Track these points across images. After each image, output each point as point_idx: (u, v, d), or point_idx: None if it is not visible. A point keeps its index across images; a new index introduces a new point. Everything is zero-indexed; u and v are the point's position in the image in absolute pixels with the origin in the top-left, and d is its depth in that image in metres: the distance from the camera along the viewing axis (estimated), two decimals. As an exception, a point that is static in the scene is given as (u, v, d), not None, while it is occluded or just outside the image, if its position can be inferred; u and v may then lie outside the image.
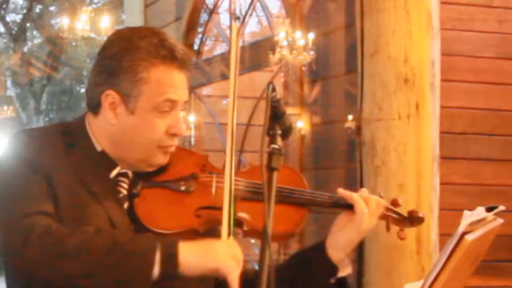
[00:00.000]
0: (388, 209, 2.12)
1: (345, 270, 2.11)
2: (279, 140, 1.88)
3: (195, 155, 2.15)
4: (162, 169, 2.05)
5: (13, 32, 22.51)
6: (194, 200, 2.01)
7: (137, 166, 2.03)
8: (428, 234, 3.79)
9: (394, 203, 2.14)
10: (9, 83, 24.95)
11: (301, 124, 7.09)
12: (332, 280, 2.10)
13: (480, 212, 1.79)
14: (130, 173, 2.05)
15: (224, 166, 1.90)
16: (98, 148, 2.03)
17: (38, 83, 23.20)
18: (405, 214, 2.14)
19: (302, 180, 2.12)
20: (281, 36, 8.07)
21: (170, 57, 1.97)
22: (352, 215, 2.07)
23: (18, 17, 23.29)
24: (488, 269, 4.68)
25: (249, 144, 8.88)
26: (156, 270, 1.79)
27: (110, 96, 1.98)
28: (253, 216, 1.99)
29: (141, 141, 1.98)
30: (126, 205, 2.01)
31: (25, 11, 22.70)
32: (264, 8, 9.21)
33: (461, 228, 1.67)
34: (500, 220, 1.86)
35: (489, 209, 1.84)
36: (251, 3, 9.30)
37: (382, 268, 3.70)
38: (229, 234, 1.82)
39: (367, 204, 2.06)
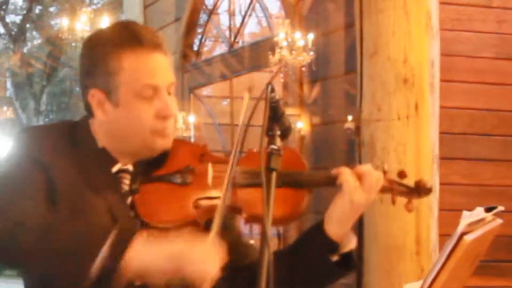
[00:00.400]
0: (393, 181, 2.06)
1: (348, 246, 2.05)
2: (278, 141, 1.87)
3: (194, 145, 2.14)
4: (162, 163, 2.06)
5: (13, 33, 22.53)
6: (192, 192, 2.01)
7: (141, 155, 2.04)
8: (427, 234, 3.80)
9: (401, 174, 2.08)
10: (8, 84, 24.96)
11: (301, 124, 7.10)
12: (335, 257, 2.04)
13: (479, 212, 1.79)
14: (131, 169, 2.05)
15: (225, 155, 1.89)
16: (100, 145, 2.05)
17: (38, 84, 23.22)
18: (412, 185, 2.08)
19: (300, 160, 2.11)
20: (281, 36, 8.07)
21: (136, 41, 1.97)
22: (341, 189, 2.00)
23: (17, 18, 23.31)
24: (487, 269, 4.69)
25: (248, 145, 8.88)
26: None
27: (95, 96, 2.00)
28: (252, 202, 1.98)
29: (133, 131, 1.99)
30: (129, 201, 2.02)
31: (24, 12, 22.71)
32: (264, 9, 9.21)
33: (460, 228, 1.67)
34: (499, 221, 1.86)
35: (488, 210, 1.84)
36: (250, 4, 9.30)
37: (381, 268, 3.70)
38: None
39: (360, 177, 2.00)
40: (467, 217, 1.71)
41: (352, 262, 2.07)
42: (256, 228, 7.44)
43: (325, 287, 2.11)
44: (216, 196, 1.92)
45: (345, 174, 2.00)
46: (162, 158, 2.06)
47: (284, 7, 7.94)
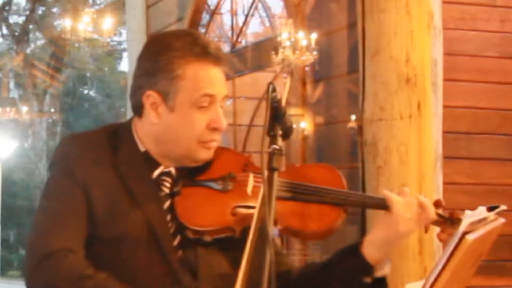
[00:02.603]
0: None
1: (383, 270, 2.08)
2: (279, 141, 1.87)
3: (238, 154, 2.20)
4: (204, 168, 2.10)
5: (16, 33, 22.56)
6: (231, 199, 2.05)
7: (182, 162, 2.08)
8: (430, 234, 3.77)
9: (437, 204, 2.11)
10: (12, 84, 25.00)
11: (304, 124, 7.10)
12: (369, 280, 2.06)
13: (481, 211, 1.79)
14: (173, 172, 2.10)
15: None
16: (142, 148, 2.10)
17: (41, 85, 23.25)
18: (447, 216, 2.10)
19: (340, 180, 2.12)
20: (284, 36, 8.07)
21: (203, 53, 2.04)
22: (391, 214, 2.03)
23: (20, 19, 23.34)
24: (491, 269, 4.67)
25: (252, 145, 8.89)
26: None
27: (150, 97, 2.05)
28: (287, 215, 2.01)
29: (182, 137, 2.04)
30: (167, 204, 2.06)
31: (27, 12, 22.74)
32: (266, 9, 9.21)
33: (462, 228, 1.66)
34: (502, 220, 1.86)
35: (490, 209, 1.83)
36: (252, 4, 9.30)
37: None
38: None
39: (409, 207, 2.03)
40: (469, 217, 1.71)
41: (385, 286, 2.09)
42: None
43: None
44: (254, 205, 1.91)
45: (397, 203, 2.02)
46: (205, 164, 2.10)
47: (287, 7, 7.93)
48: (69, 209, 1.99)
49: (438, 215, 2.10)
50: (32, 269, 1.93)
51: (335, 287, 2.09)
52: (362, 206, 2.13)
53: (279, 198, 1.99)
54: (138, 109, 2.09)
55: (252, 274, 2.03)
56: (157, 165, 2.09)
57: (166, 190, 2.08)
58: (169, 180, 2.09)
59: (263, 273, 1.69)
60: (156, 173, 2.08)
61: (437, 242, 3.85)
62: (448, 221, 2.11)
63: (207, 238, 2.02)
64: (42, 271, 1.91)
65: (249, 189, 2.06)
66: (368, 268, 2.05)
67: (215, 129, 2.06)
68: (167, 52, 2.04)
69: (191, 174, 2.09)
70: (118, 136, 2.11)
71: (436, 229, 3.90)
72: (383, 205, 2.06)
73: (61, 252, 1.92)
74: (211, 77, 2.04)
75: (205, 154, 2.07)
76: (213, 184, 2.07)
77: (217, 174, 2.09)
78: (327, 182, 2.10)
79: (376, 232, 2.06)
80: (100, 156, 2.05)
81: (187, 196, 2.06)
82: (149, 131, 2.08)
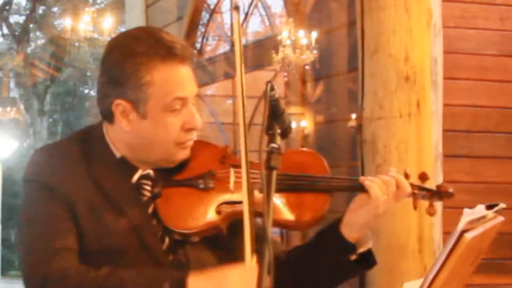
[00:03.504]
0: (414, 186, 2.08)
1: (366, 245, 2.08)
2: (278, 139, 1.87)
3: (215, 147, 2.15)
4: (182, 166, 2.07)
5: (16, 33, 22.55)
6: (214, 197, 2.02)
7: (159, 164, 2.05)
8: (430, 232, 3.79)
9: (423, 177, 2.10)
10: (12, 84, 24.99)
11: (304, 123, 7.09)
12: (353, 257, 2.07)
13: (480, 210, 1.78)
14: (152, 173, 2.06)
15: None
16: (118, 155, 2.05)
17: (42, 84, 23.25)
18: (434, 189, 2.08)
19: (323, 164, 2.11)
20: (284, 35, 8.07)
21: (169, 55, 1.98)
22: (369, 198, 2.02)
23: (21, 18, 23.33)
24: (490, 267, 4.68)
25: (251, 144, 8.87)
26: None
27: (120, 106, 1.99)
28: (277, 208, 2.00)
29: (158, 142, 2.00)
30: (151, 208, 2.03)
31: (28, 12, 22.73)
32: (266, 8, 9.21)
33: (460, 226, 1.66)
34: (501, 218, 1.85)
35: (489, 207, 1.83)
36: (252, 2, 9.30)
37: (384, 267, 3.68)
38: (252, 254, 1.77)
39: (386, 188, 2.02)
40: (467, 215, 1.70)
41: (371, 259, 2.08)
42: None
43: (344, 281, 2.13)
44: (239, 201, 1.91)
45: (375, 187, 2.01)
46: (182, 161, 2.07)
47: (287, 6, 7.93)
48: (56, 224, 1.95)
49: (425, 189, 2.08)
50: None
51: (323, 267, 2.09)
52: (343, 190, 2.10)
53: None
54: (108, 116, 2.03)
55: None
56: (135, 169, 2.05)
57: (148, 194, 2.05)
58: (149, 183, 2.05)
59: (262, 272, 1.68)
60: (135, 177, 2.05)
61: (437, 241, 3.85)
62: (435, 194, 2.08)
63: (195, 239, 2.00)
64: None
65: (231, 185, 2.03)
66: (350, 247, 2.05)
67: (190, 129, 2.02)
68: (131, 59, 1.96)
69: (170, 173, 2.06)
70: (90, 143, 2.05)
71: (435, 228, 3.90)
72: (361, 187, 2.04)
73: (59, 269, 1.88)
74: (180, 78, 1.99)
75: (182, 154, 2.04)
76: (193, 183, 2.04)
77: (196, 171, 2.06)
78: (312, 167, 2.08)
79: (353, 214, 2.04)
80: (75, 169, 2.00)
81: (168, 197, 2.02)
82: (122, 138, 2.04)
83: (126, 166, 2.04)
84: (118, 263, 1.94)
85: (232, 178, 2.04)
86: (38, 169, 2.01)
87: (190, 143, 2.05)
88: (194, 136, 2.05)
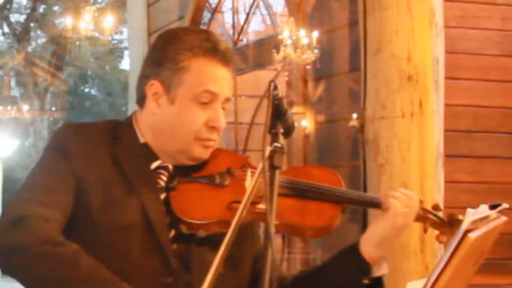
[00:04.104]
0: (427, 211, 2.11)
1: (380, 270, 2.08)
2: (281, 139, 1.87)
3: (236, 155, 2.21)
4: (202, 167, 2.09)
5: (17, 32, 22.55)
6: (228, 194, 2.03)
7: (178, 158, 2.07)
8: (432, 232, 3.78)
9: (435, 207, 2.14)
10: (13, 83, 25.01)
11: (305, 122, 7.10)
12: (366, 281, 2.06)
13: (483, 209, 1.79)
14: (170, 167, 2.09)
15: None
16: (142, 140, 2.09)
17: (42, 83, 23.25)
18: (445, 218, 2.12)
19: (339, 181, 2.12)
20: (285, 34, 8.08)
21: (212, 50, 2.03)
22: (387, 212, 2.04)
23: (22, 17, 23.34)
24: (493, 267, 4.68)
25: (253, 143, 8.88)
26: None
27: (153, 86, 2.04)
28: (283, 211, 2.00)
29: (179, 131, 2.03)
30: (162, 196, 2.05)
31: (28, 11, 22.74)
32: (267, 7, 9.22)
33: (464, 226, 1.66)
34: (504, 218, 1.86)
35: (492, 207, 1.83)
36: (254, 2, 9.31)
37: (385, 267, 3.69)
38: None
39: (406, 199, 2.04)
40: (471, 215, 1.70)
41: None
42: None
43: None
44: (253, 201, 1.91)
45: (394, 200, 2.03)
46: (202, 163, 2.09)
47: (288, 5, 7.94)
48: (54, 183, 1.98)
49: (438, 217, 2.11)
50: (2, 231, 1.90)
51: (332, 285, 2.09)
52: (359, 204, 2.13)
53: (278, 195, 2.02)
54: (141, 100, 2.09)
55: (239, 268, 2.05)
56: (155, 157, 2.08)
57: (162, 183, 2.07)
58: (166, 174, 2.08)
59: (264, 273, 1.69)
60: (154, 165, 2.07)
61: (439, 240, 3.85)
62: (446, 223, 2.12)
63: (202, 233, 2.00)
64: (13, 232, 1.88)
65: (247, 185, 2.04)
66: (365, 267, 2.05)
67: (213, 128, 2.04)
68: (175, 43, 2.03)
69: (188, 172, 2.08)
70: (119, 129, 2.10)
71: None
72: (378, 203, 2.07)
73: (35, 217, 1.90)
74: (216, 75, 2.03)
75: (200, 152, 2.06)
76: (210, 179, 2.06)
77: (214, 171, 2.08)
78: (326, 182, 2.10)
79: (373, 231, 2.05)
80: (97, 144, 2.04)
81: (182, 191, 2.04)
82: (148, 122, 2.08)
83: (148, 152, 2.08)
84: (122, 241, 1.96)
85: (249, 179, 2.05)
86: (63, 138, 2.06)
87: (211, 143, 2.07)
88: (216, 137, 2.07)
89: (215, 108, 2.04)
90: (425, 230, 2.12)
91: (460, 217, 2.10)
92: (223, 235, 1.92)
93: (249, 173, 2.06)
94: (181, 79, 2.01)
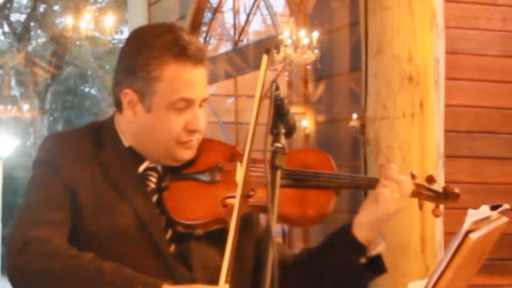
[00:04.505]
0: (421, 186, 2.08)
1: (376, 249, 2.08)
2: (282, 139, 1.87)
3: (224, 145, 2.16)
4: (191, 162, 2.08)
5: (17, 31, 22.53)
6: (220, 190, 2.03)
7: (163, 161, 2.07)
8: (432, 232, 3.79)
9: (429, 179, 2.10)
10: (13, 82, 24.99)
11: (306, 122, 7.10)
12: (363, 260, 2.06)
13: (484, 210, 1.78)
14: (159, 167, 2.08)
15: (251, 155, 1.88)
16: (126, 144, 2.08)
17: (43, 83, 23.23)
18: (440, 190, 2.09)
19: (331, 163, 2.11)
20: (286, 35, 8.07)
21: (182, 54, 2.00)
22: (377, 198, 2.03)
23: (22, 17, 23.31)
24: (493, 268, 4.68)
25: (255, 143, 8.88)
26: None
27: (128, 95, 2.03)
28: (280, 202, 1.94)
29: (159, 138, 2.02)
30: (154, 198, 2.04)
31: (29, 10, 22.71)
32: (268, 7, 9.22)
33: (465, 226, 1.66)
34: (505, 219, 1.86)
35: (493, 208, 1.83)
36: (254, 2, 9.31)
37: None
38: (226, 281, 1.76)
39: (397, 185, 2.02)
40: (472, 215, 1.70)
41: (381, 265, 2.08)
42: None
43: None
44: (245, 194, 1.92)
45: (384, 184, 2.02)
46: (191, 158, 2.08)
47: (289, 5, 7.94)
48: (49, 199, 1.97)
49: (431, 190, 2.09)
50: (13, 259, 1.90)
51: (331, 270, 2.08)
52: (355, 187, 2.11)
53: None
54: (118, 105, 2.08)
55: (244, 264, 2.04)
56: (142, 160, 2.07)
57: (152, 185, 2.06)
58: (155, 175, 2.07)
59: (266, 271, 1.68)
60: (141, 168, 2.07)
61: (439, 241, 3.85)
62: (441, 195, 2.09)
63: (199, 232, 2.00)
64: (25, 257, 1.88)
65: (238, 178, 2.03)
66: (360, 248, 2.04)
67: (192, 131, 2.03)
68: (145, 51, 2.00)
69: (177, 168, 2.07)
70: (101, 134, 2.09)
71: (437, 228, 3.90)
72: (374, 185, 2.05)
73: (42, 237, 1.90)
74: (189, 79, 2.01)
75: (185, 154, 2.05)
76: (200, 176, 2.05)
77: (204, 166, 2.07)
78: (318, 166, 2.08)
79: (365, 214, 2.05)
80: (83, 153, 2.03)
81: (175, 190, 2.03)
82: (129, 128, 2.07)
83: (134, 155, 2.07)
84: (118, 248, 1.96)
85: (239, 172, 2.03)
86: (47, 152, 2.05)
87: (194, 143, 2.06)
88: (197, 137, 2.05)
89: (192, 112, 2.02)
90: (420, 206, 2.09)
91: (456, 190, 2.08)
92: (220, 229, 1.95)
93: (238, 166, 2.05)
94: (155, 88, 2.00)
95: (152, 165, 2.07)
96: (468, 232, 1.67)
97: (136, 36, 2.08)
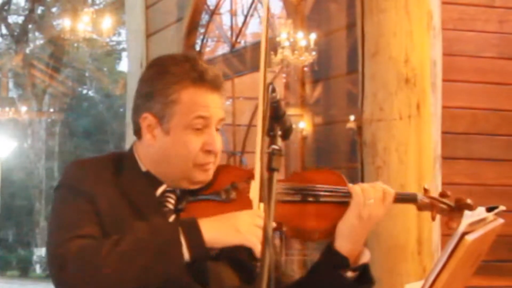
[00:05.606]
0: (433, 198, 2.13)
1: (362, 259, 2.10)
2: (279, 141, 1.88)
3: (241, 170, 2.21)
4: (208, 185, 2.11)
5: (15, 33, 22.55)
6: (236, 208, 2.03)
7: (180, 184, 2.10)
8: (429, 234, 3.79)
9: (443, 194, 2.15)
10: (11, 84, 25.02)
11: (303, 124, 7.09)
12: (349, 273, 2.08)
13: (480, 212, 1.79)
14: (177, 191, 2.12)
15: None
16: (143, 168, 2.13)
17: (40, 85, 23.25)
18: (453, 204, 2.13)
19: (343, 181, 2.13)
20: (283, 36, 8.08)
21: (200, 79, 2.06)
22: (353, 202, 2.07)
23: (20, 19, 23.35)
24: (489, 269, 4.68)
25: (251, 145, 8.89)
26: (186, 255, 1.90)
27: (147, 119, 2.08)
28: (293, 216, 2.04)
29: (177, 159, 2.06)
30: (172, 219, 2.08)
31: (27, 12, 22.74)
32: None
33: (461, 228, 1.67)
34: (501, 220, 1.86)
35: (489, 209, 1.84)
36: (252, 4, 9.32)
37: (383, 268, 3.69)
38: (260, 200, 1.85)
39: (363, 193, 2.06)
40: (468, 217, 1.71)
41: (368, 276, 2.09)
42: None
43: None
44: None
45: (356, 187, 2.07)
46: (209, 182, 2.12)
47: (286, 7, 7.93)
48: (81, 217, 2.01)
49: (445, 203, 2.12)
50: (60, 277, 1.95)
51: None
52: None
53: (287, 202, 2.06)
54: (137, 131, 2.13)
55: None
56: (160, 183, 2.11)
57: (170, 206, 2.10)
58: (173, 197, 2.11)
59: (262, 273, 1.69)
60: (159, 191, 2.10)
61: (436, 242, 3.85)
62: (455, 209, 2.12)
63: (215, 251, 2.01)
64: (68, 272, 1.92)
65: (251, 195, 2.04)
66: (343, 261, 2.07)
67: (209, 152, 2.07)
68: (164, 76, 2.07)
69: (195, 191, 2.10)
70: (121, 161, 2.14)
71: (434, 230, 3.90)
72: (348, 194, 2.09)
73: (81, 248, 1.94)
74: (207, 102, 2.06)
75: (201, 176, 2.09)
76: (216, 196, 2.08)
77: (220, 188, 2.10)
78: (331, 184, 2.11)
79: (342, 224, 2.07)
80: (103, 176, 2.08)
81: (191, 210, 2.06)
82: (147, 153, 2.12)
83: (151, 179, 2.11)
84: None
85: (252, 187, 2.06)
86: (70, 176, 2.10)
87: (210, 166, 2.09)
88: (214, 159, 2.09)
89: (210, 133, 2.07)
90: (433, 218, 2.14)
91: (468, 201, 2.13)
92: (237, 251, 1.98)
93: (252, 183, 2.07)
94: (173, 111, 2.05)
95: (169, 188, 2.11)
96: (464, 233, 1.67)
97: (155, 64, 2.14)
